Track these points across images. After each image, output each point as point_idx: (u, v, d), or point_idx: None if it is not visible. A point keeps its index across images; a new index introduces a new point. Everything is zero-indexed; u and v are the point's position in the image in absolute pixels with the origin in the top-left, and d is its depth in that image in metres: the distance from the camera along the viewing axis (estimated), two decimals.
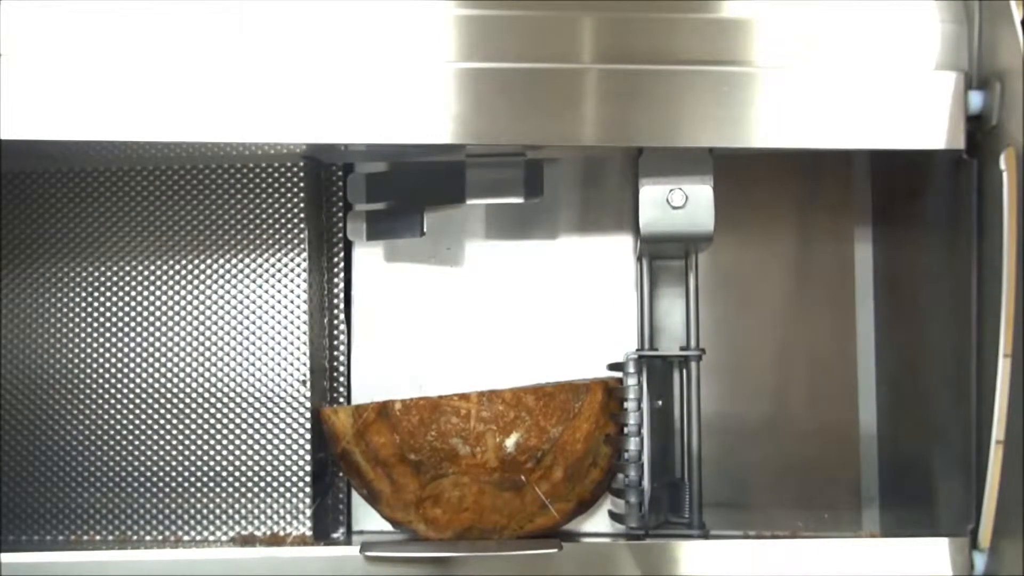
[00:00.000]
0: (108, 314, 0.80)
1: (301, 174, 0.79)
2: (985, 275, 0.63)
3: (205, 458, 0.78)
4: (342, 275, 0.82)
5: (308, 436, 0.77)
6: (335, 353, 0.82)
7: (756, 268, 0.82)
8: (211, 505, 0.77)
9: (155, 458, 0.79)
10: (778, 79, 0.63)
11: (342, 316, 0.82)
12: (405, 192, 0.81)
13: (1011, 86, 0.61)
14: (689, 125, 0.63)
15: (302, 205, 0.78)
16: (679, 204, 0.68)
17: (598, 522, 0.78)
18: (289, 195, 0.79)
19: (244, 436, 0.78)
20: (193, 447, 0.78)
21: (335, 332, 0.83)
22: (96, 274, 0.80)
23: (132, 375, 0.80)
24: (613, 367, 0.75)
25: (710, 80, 0.63)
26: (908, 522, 0.75)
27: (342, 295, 0.82)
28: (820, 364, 0.81)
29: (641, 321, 0.77)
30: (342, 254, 0.82)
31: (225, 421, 0.78)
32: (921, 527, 0.70)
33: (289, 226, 0.79)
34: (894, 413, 0.78)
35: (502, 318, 0.83)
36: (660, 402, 0.75)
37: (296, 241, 0.79)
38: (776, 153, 0.69)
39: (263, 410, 0.78)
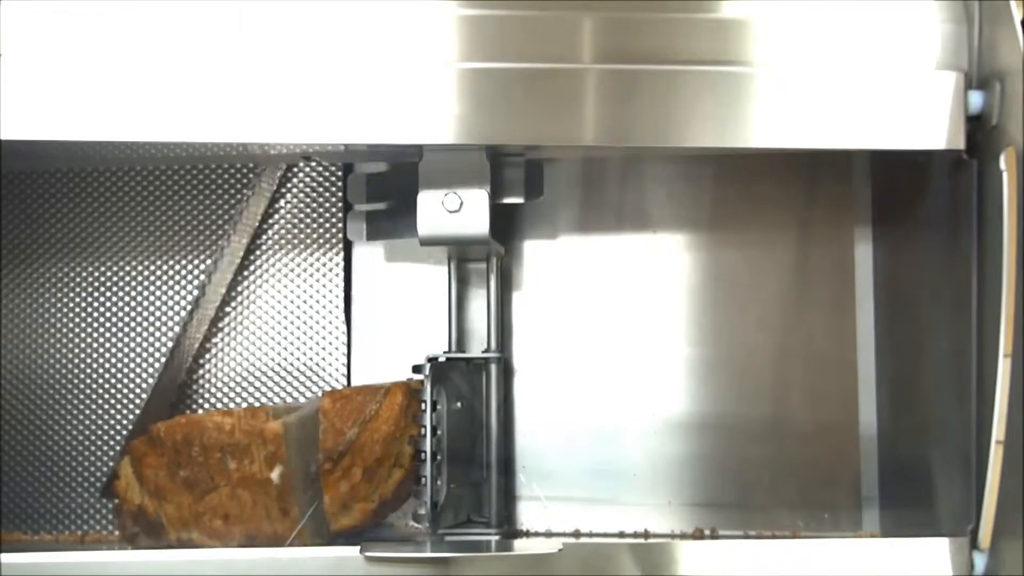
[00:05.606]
0: (108, 314, 0.80)
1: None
2: (985, 275, 0.62)
3: None
4: (341, 275, 0.82)
5: None
6: (331, 350, 0.82)
7: (756, 268, 0.82)
8: None
9: None
10: (778, 79, 0.63)
11: (342, 316, 0.82)
12: (405, 192, 0.81)
13: (1011, 86, 0.61)
14: (689, 125, 0.63)
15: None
16: (454, 208, 0.68)
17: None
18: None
19: None
20: None
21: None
22: (96, 274, 0.80)
23: (132, 375, 0.80)
24: (415, 369, 0.75)
25: (710, 80, 0.63)
26: (908, 522, 0.75)
27: (341, 295, 0.82)
28: (820, 364, 0.81)
29: (449, 323, 0.79)
30: (341, 256, 0.82)
31: None
32: (921, 527, 0.69)
33: (289, 225, 0.79)
34: (894, 413, 0.78)
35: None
36: (459, 404, 0.76)
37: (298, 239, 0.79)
38: (776, 153, 0.68)
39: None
